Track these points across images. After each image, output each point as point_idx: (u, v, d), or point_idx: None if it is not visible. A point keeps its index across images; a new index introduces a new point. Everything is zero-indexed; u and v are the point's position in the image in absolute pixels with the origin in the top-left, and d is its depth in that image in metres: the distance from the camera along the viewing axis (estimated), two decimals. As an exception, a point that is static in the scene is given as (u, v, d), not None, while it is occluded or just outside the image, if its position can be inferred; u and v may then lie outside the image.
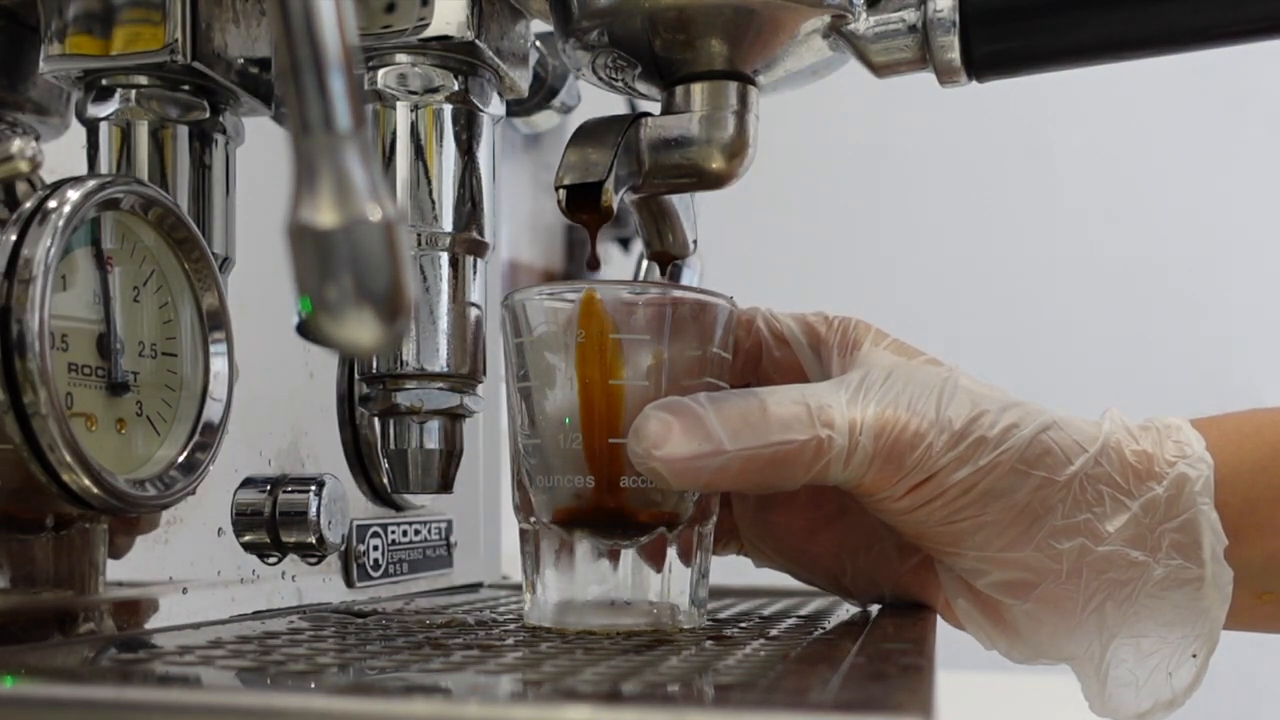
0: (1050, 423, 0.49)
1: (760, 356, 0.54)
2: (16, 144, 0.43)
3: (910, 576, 0.54)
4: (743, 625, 0.51)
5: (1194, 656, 0.51)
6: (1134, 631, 0.51)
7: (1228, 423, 0.52)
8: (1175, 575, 0.50)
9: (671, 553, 0.49)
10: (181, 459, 0.48)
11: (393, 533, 0.67)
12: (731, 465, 0.46)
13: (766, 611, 0.58)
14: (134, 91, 0.50)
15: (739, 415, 0.47)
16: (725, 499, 0.55)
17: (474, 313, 0.51)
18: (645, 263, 0.62)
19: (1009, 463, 0.48)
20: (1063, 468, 0.49)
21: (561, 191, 0.49)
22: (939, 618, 0.53)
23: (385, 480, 0.59)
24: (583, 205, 0.49)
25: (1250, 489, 0.51)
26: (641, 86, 0.53)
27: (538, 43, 0.64)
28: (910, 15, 0.50)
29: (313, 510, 0.56)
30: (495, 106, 0.52)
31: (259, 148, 0.54)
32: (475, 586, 0.75)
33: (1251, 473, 0.51)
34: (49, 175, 0.47)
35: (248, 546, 0.56)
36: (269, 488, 0.56)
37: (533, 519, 0.49)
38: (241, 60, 0.51)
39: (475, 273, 0.51)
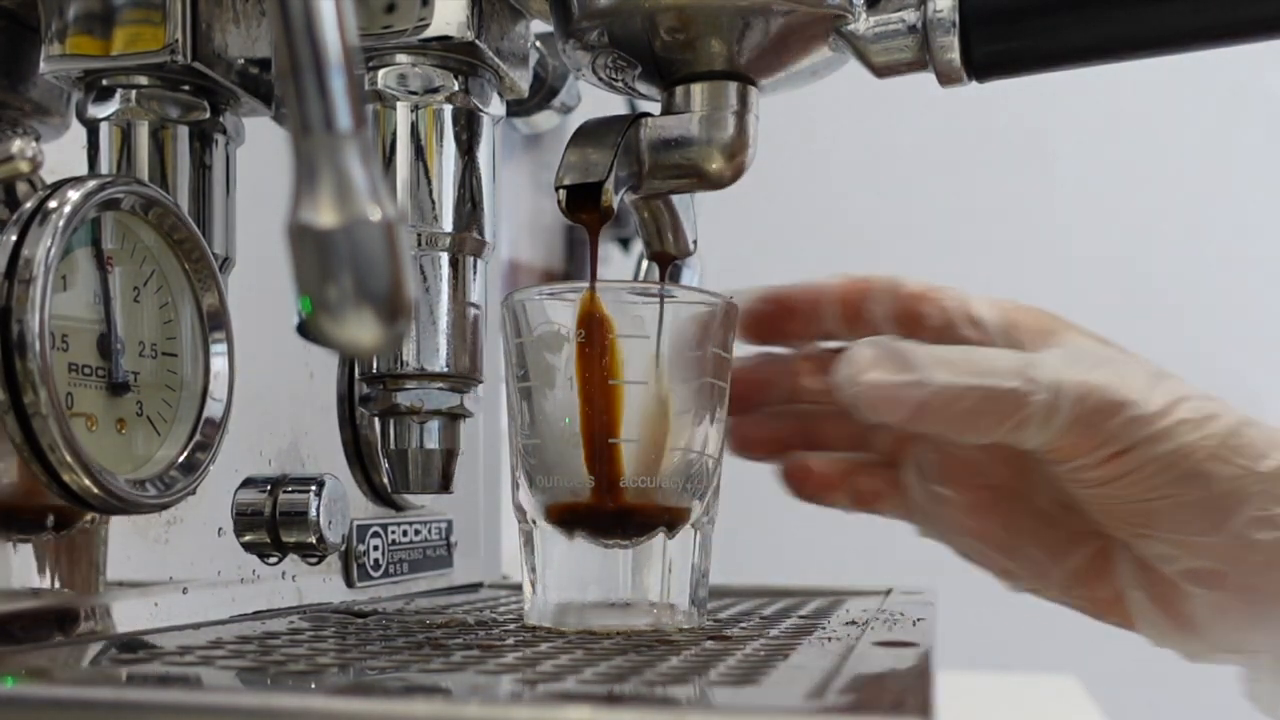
0: (1246, 419, 0.49)
1: (945, 337, 0.53)
2: (17, 144, 0.43)
3: (1082, 565, 0.53)
4: (743, 625, 0.51)
5: None
6: None
7: None
8: None
9: (672, 553, 0.49)
10: (181, 459, 0.48)
11: (393, 533, 0.67)
12: (934, 401, 0.46)
13: (766, 611, 0.58)
14: (134, 92, 0.50)
15: (947, 356, 0.47)
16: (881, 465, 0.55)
17: (474, 313, 0.51)
18: (645, 263, 0.62)
19: (1211, 447, 0.48)
20: (1261, 460, 0.48)
21: (561, 191, 0.49)
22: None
23: (385, 480, 0.59)
24: (583, 205, 0.49)
25: None
26: (641, 87, 0.53)
27: (538, 43, 0.64)
28: (910, 16, 0.50)
29: (313, 510, 0.56)
30: (495, 107, 0.52)
31: (259, 148, 0.54)
32: (475, 586, 0.75)
33: None
34: (49, 175, 0.47)
35: (248, 546, 0.56)
36: (269, 488, 0.56)
37: (533, 519, 0.50)
38: (241, 60, 0.51)
39: (475, 273, 0.51)
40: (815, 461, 0.57)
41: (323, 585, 0.61)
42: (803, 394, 0.57)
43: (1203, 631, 0.51)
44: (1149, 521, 0.49)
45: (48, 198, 0.44)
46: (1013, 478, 0.53)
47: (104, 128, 0.50)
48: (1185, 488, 0.48)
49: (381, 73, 0.49)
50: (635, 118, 0.51)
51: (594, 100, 0.62)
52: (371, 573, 0.65)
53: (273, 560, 0.57)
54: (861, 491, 0.56)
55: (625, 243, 1.21)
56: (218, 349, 0.50)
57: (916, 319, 0.53)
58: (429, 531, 0.71)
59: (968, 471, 0.54)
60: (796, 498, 0.57)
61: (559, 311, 0.49)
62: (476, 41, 0.49)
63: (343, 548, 0.59)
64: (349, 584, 0.63)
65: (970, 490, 0.54)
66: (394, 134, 0.50)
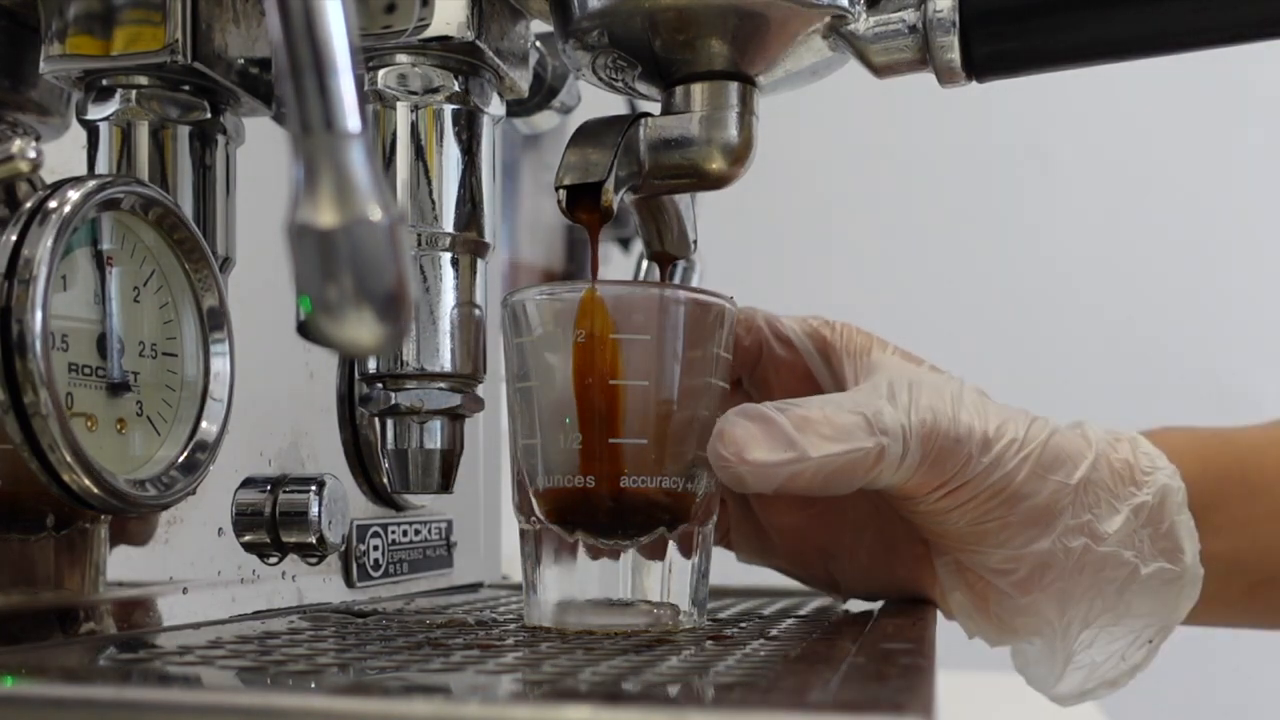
0: (1055, 429, 0.52)
1: (759, 356, 0.55)
2: (17, 144, 0.43)
3: (904, 571, 0.56)
4: (743, 625, 0.51)
5: (1150, 642, 0.55)
6: (1109, 621, 0.54)
7: (1165, 437, 0.57)
8: (1157, 575, 0.53)
9: (672, 553, 0.49)
10: (181, 459, 0.48)
11: (393, 533, 0.67)
12: (806, 471, 0.48)
13: (766, 611, 0.58)
14: (134, 92, 0.50)
15: (812, 423, 0.48)
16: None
17: (474, 313, 0.51)
18: (645, 263, 0.62)
19: (1030, 466, 0.51)
20: (1073, 471, 0.52)
21: (561, 191, 0.49)
22: (938, 616, 0.54)
23: (385, 480, 0.59)
24: (583, 205, 0.49)
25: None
26: (641, 87, 0.53)
27: (538, 43, 0.64)
28: (910, 15, 0.50)
29: (313, 510, 0.56)
30: (495, 107, 0.52)
31: (259, 148, 0.54)
32: (475, 586, 0.75)
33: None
34: (49, 175, 0.47)
35: (248, 546, 0.56)
36: (269, 488, 0.56)
37: (533, 519, 0.50)
38: (241, 60, 0.51)
39: (475, 273, 0.51)
40: None
41: (323, 585, 0.61)
42: None
43: (1010, 624, 0.55)
44: (980, 540, 0.52)
45: (48, 198, 0.44)
46: (835, 501, 0.55)
47: (104, 128, 0.50)
48: (1010, 508, 0.51)
49: (381, 73, 0.49)
50: (635, 118, 0.51)
51: (594, 100, 0.62)
52: (371, 573, 0.65)
53: (273, 560, 0.57)
54: None
55: (625, 243, 1.21)
56: (218, 349, 0.50)
57: (736, 343, 0.54)
58: (429, 531, 0.71)
59: (788, 498, 0.55)
60: None
61: (559, 311, 0.49)
62: (476, 41, 0.49)
63: (343, 548, 0.59)
64: (349, 584, 0.63)
65: (791, 514, 0.56)
66: (394, 134, 0.50)
